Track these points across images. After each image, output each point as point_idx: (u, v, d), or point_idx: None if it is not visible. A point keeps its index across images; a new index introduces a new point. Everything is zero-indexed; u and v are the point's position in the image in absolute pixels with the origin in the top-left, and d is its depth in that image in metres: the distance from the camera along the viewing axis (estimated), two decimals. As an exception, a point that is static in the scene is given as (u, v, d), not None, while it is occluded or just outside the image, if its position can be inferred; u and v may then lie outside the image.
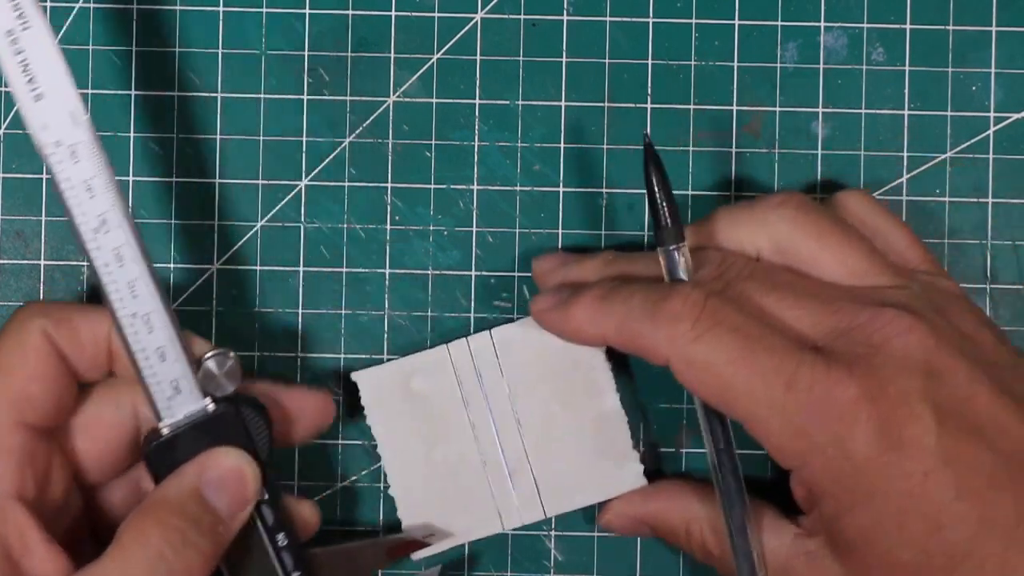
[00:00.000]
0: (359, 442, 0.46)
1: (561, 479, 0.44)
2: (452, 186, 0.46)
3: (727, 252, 0.42)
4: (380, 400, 0.45)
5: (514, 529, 0.46)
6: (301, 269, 0.46)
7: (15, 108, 0.46)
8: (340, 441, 0.46)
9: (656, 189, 0.40)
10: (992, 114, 0.46)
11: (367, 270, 0.46)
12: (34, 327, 0.39)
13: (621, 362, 0.45)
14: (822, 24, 0.46)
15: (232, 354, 0.39)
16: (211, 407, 0.39)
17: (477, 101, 0.46)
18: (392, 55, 0.46)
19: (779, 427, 0.38)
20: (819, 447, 0.38)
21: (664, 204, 0.40)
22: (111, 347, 0.40)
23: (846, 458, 0.37)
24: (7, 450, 0.38)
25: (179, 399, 0.39)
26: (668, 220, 0.40)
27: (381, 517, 0.46)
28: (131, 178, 0.46)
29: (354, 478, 0.46)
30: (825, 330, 0.39)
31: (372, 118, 0.46)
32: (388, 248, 0.46)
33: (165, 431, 0.39)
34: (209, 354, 0.39)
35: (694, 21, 0.46)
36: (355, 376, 0.45)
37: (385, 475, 0.45)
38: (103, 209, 0.38)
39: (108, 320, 0.39)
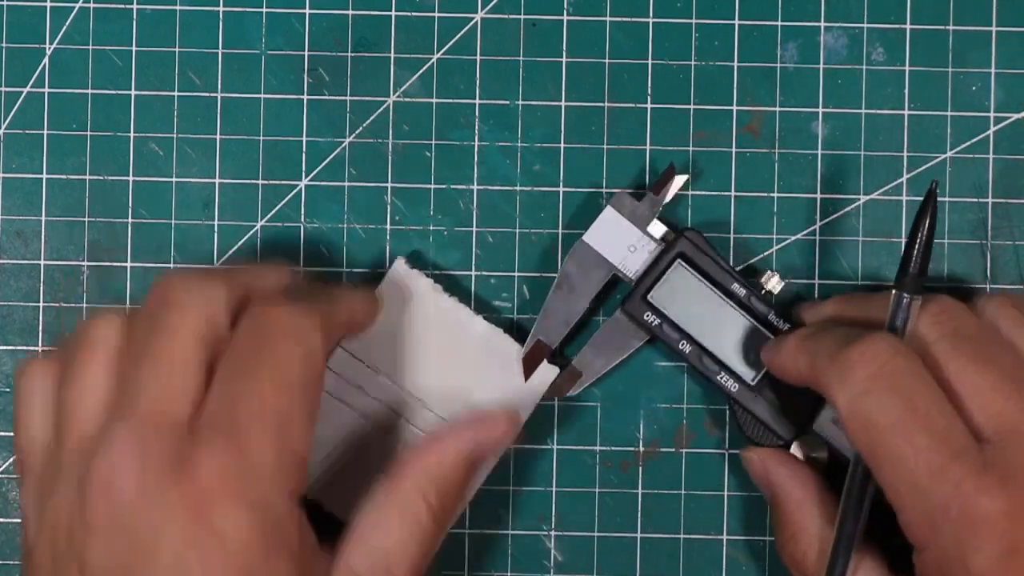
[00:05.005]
0: (359, 442, 0.46)
1: (455, 396, 0.44)
2: (452, 186, 0.46)
3: (960, 308, 0.40)
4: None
5: (514, 529, 0.46)
6: (301, 269, 0.46)
7: (15, 108, 0.46)
8: (340, 441, 0.46)
9: (921, 236, 0.40)
10: (992, 114, 0.46)
11: (367, 270, 0.46)
12: None
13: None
14: (822, 24, 0.46)
15: None
16: None
17: (477, 101, 0.46)
18: (392, 55, 0.46)
19: (912, 508, 0.37)
20: (942, 544, 0.37)
21: (920, 253, 0.40)
22: None
23: (963, 565, 0.36)
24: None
25: None
26: (917, 269, 0.40)
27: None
28: (131, 178, 0.46)
29: (354, 478, 0.46)
30: (1006, 426, 0.37)
31: (372, 118, 0.46)
32: (388, 248, 0.46)
33: None
34: None
35: (694, 21, 0.46)
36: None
37: None
38: None
39: None
